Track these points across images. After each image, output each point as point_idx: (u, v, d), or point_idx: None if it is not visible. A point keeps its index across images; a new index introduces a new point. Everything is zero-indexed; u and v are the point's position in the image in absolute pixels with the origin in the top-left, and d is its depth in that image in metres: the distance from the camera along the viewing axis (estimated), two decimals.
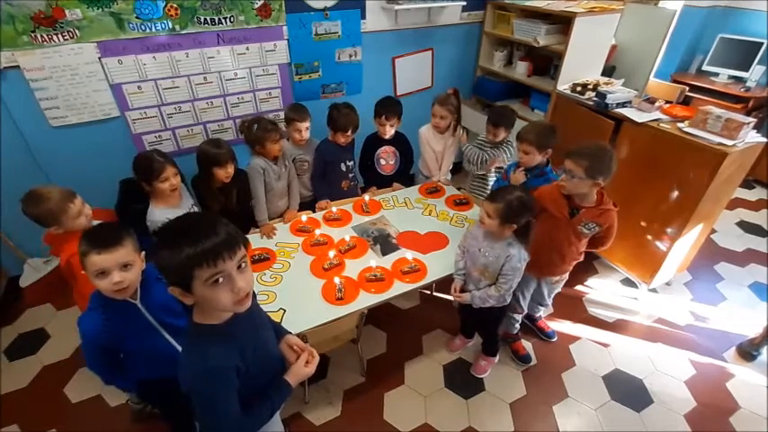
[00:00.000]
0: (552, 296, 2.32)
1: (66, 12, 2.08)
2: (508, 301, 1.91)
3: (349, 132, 2.41)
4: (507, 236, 1.76)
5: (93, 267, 1.22)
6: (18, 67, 2.11)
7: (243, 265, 0.93)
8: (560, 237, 1.91)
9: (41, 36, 2.09)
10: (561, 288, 2.19)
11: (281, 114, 2.87)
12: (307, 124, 2.40)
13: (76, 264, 1.39)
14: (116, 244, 1.24)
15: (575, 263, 2.05)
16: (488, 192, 2.45)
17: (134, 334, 1.36)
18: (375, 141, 2.65)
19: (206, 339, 1.00)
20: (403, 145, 2.70)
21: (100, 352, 1.36)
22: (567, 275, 2.16)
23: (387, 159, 2.70)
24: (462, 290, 1.97)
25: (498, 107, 2.45)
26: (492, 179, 2.60)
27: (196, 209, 2.14)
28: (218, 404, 0.99)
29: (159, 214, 1.95)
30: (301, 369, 1.18)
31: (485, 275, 1.86)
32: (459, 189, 2.69)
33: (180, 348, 1.43)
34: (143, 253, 1.35)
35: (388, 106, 2.50)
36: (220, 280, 0.89)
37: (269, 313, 1.39)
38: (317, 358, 1.21)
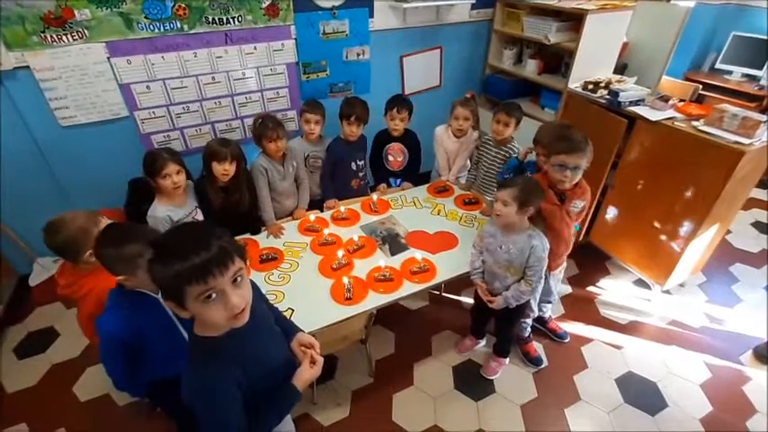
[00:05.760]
0: (557, 290, 2.30)
1: (76, 12, 2.09)
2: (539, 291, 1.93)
3: (352, 119, 2.39)
4: (526, 226, 1.77)
5: None
6: (28, 67, 2.12)
7: (238, 278, 0.89)
8: (559, 224, 1.96)
9: (51, 36, 2.10)
10: (571, 288, 2.16)
11: (289, 114, 2.87)
12: (317, 117, 2.40)
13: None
14: None
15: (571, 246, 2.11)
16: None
17: (154, 329, 1.36)
18: (384, 138, 2.66)
19: (205, 354, 0.98)
20: (412, 142, 2.69)
21: (122, 350, 1.34)
22: (566, 263, 2.21)
23: (395, 156, 2.69)
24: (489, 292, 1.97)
25: (507, 102, 2.45)
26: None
27: (199, 211, 2.12)
28: (220, 420, 0.97)
29: (161, 211, 1.95)
30: (305, 372, 1.14)
31: (510, 272, 1.85)
32: (468, 189, 2.65)
33: None
34: None
35: (399, 101, 2.52)
36: (213, 296, 0.85)
37: None
38: (321, 360, 1.18)
